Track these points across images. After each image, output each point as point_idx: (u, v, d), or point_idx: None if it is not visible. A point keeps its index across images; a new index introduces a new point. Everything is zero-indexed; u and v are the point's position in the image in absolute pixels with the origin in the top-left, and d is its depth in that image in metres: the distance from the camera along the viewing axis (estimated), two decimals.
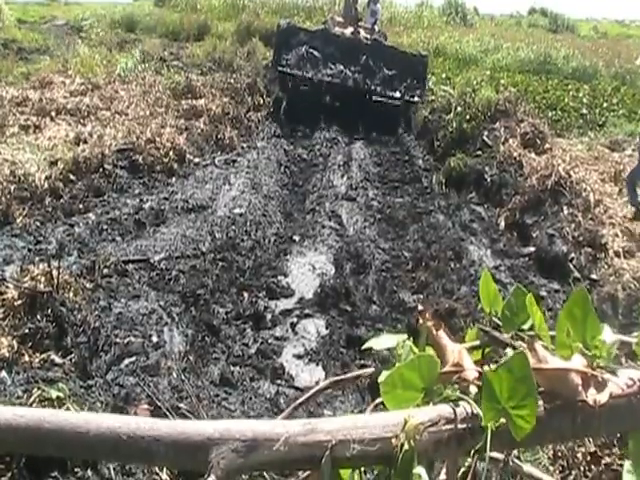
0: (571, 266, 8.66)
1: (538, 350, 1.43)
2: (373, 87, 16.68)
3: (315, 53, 16.78)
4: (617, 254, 8.57)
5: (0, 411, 1.24)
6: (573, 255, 8.80)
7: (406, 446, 1.27)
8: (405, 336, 1.50)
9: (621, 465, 3.85)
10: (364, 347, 1.67)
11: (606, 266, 8.36)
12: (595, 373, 1.44)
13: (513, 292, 1.58)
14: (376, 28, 18.88)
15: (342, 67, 16.74)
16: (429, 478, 1.27)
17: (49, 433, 1.22)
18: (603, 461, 4.03)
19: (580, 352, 1.47)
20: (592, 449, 4.04)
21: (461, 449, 1.35)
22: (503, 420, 1.34)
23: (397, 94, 16.78)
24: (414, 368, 1.40)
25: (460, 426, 1.35)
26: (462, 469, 1.36)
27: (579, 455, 4.12)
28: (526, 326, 1.55)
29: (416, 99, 16.87)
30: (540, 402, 1.40)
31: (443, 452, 1.35)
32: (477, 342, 1.56)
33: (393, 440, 1.30)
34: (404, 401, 1.40)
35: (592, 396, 1.40)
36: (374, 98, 16.81)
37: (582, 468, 4.07)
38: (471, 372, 1.43)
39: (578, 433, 1.53)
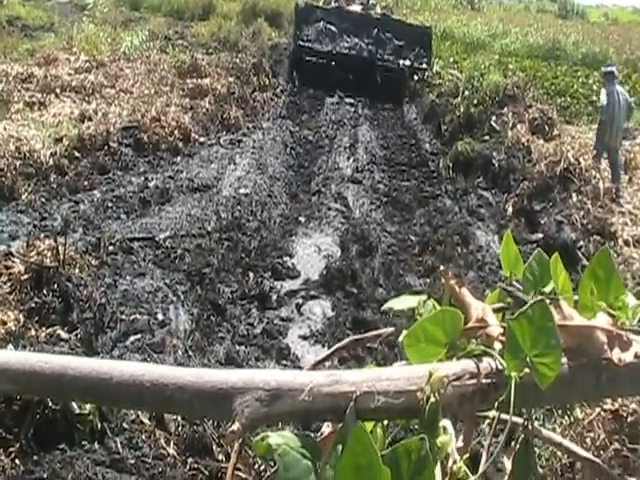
0: (579, 254, 8.60)
1: (563, 307, 1.42)
2: (386, 57, 18.32)
3: (332, 28, 18.46)
4: (627, 243, 8.54)
5: (26, 357, 1.23)
6: (581, 243, 8.73)
7: (432, 399, 1.26)
8: (425, 297, 1.50)
9: (632, 450, 3.85)
10: (384, 308, 1.66)
11: (615, 255, 8.31)
12: (620, 332, 1.42)
13: (534, 256, 1.58)
14: (372, 1, 21.04)
15: (357, 40, 18.37)
16: None
17: (73, 380, 1.21)
18: (612, 447, 4.01)
19: (604, 311, 1.46)
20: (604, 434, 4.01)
21: (484, 404, 1.35)
22: (527, 370, 1.33)
23: (407, 62, 18.28)
24: (438, 322, 1.39)
25: (484, 381, 1.34)
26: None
27: (588, 440, 4.10)
28: (547, 289, 1.54)
29: (424, 66, 18.35)
30: (564, 359, 1.39)
31: (467, 407, 1.35)
32: (498, 305, 1.55)
33: (418, 393, 1.29)
34: (427, 355, 1.39)
35: (617, 355, 1.39)
36: (378, 63, 18.32)
37: (592, 454, 4.05)
38: (495, 328, 1.42)
39: (602, 392, 1.52)
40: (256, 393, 1.24)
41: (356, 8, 19.98)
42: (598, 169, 10.50)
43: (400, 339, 1.41)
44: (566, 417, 4.25)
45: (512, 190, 10.88)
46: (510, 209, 10.49)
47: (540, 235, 9.36)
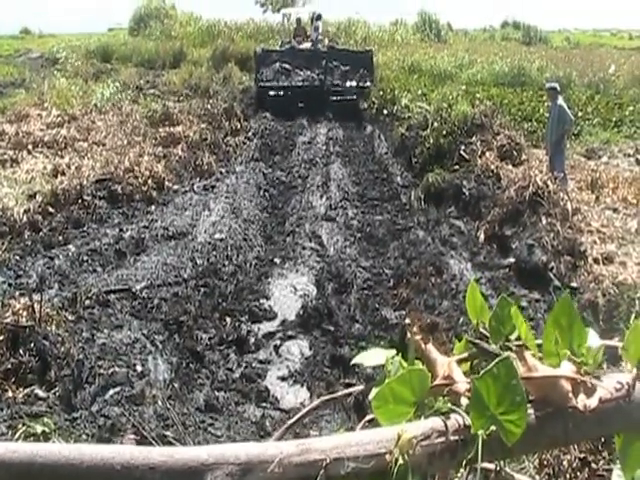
0: (551, 275, 8.69)
1: (528, 359, 1.45)
2: (335, 82, 21.44)
3: (286, 66, 21.40)
4: (596, 261, 8.62)
5: None
6: (553, 264, 8.83)
7: (400, 461, 1.27)
8: (394, 352, 1.51)
9: (607, 470, 3.87)
10: (352, 363, 1.68)
11: (586, 273, 8.40)
12: (584, 379, 1.45)
13: (498, 302, 1.59)
14: (320, 37, 24.15)
15: (309, 72, 21.42)
16: None
17: (42, 468, 1.19)
18: (590, 467, 4.03)
19: (568, 359, 1.49)
20: (580, 455, 4.04)
21: (454, 461, 1.36)
22: (494, 428, 1.34)
23: (353, 83, 21.51)
24: (405, 382, 1.40)
25: (452, 438, 1.35)
26: None
27: (565, 463, 4.12)
28: (513, 336, 1.56)
29: (367, 84, 21.61)
30: (531, 410, 1.41)
31: (436, 465, 1.35)
32: (466, 354, 1.57)
33: (387, 456, 1.30)
34: (396, 416, 1.40)
35: (582, 402, 1.42)
36: (332, 99, 21.56)
37: (569, 475, 4.07)
38: (462, 384, 1.44)
39: (570, 439, 1.54)
40: (227, 468, 1.23)
41: (307, 45, 23.39)
42: (565, 191, 10.69)
43: (370, 397, 1.42)
44: None
45: (483, 217, 10.98)
46: (482, 236, 10.57)
47: (512, 259, 9.45)
